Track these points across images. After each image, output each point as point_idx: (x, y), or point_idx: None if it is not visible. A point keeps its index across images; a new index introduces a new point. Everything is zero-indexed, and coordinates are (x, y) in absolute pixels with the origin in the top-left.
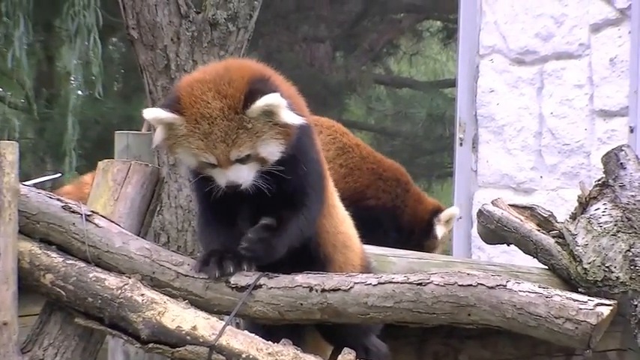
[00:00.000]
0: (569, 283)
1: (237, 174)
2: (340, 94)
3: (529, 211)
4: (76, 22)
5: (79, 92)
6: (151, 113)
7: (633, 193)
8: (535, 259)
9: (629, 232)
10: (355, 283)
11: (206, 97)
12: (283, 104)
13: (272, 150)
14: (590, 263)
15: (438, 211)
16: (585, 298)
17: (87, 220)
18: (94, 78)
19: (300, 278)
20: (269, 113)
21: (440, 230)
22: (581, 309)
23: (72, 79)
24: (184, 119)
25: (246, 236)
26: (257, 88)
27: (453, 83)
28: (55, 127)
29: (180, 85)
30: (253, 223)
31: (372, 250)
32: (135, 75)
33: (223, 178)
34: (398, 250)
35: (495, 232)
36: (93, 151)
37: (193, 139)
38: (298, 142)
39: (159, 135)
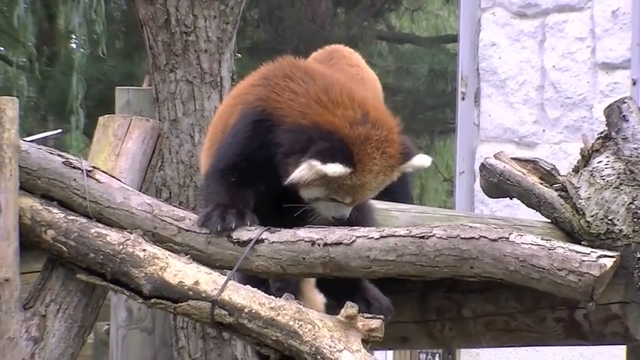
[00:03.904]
0: (572, 236)
1: (350, 210)
2: None
3: (531, 164)
4: None
5: (82, 50)
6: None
7: (636, 146)
8: (538, 213)
9: (632, 184)
10: (357, 237)
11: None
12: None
13: None
14: (592, 216)
15: None
16: (588, 250)
17: (88, 175)
18: (95, 37)
19: (303, 232)
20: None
21: None
22: (584, 261)
23: (74, 37)
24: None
25: None
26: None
27: (454, 39)
28: (56, 86)
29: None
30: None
31: (375, 204)
32: (136, 32)
33: (337, 212)
34: (400, 204)
35: (498, 185)
36: (95, 110)
37: (348, 185)
38: None
39: (307, 176)
